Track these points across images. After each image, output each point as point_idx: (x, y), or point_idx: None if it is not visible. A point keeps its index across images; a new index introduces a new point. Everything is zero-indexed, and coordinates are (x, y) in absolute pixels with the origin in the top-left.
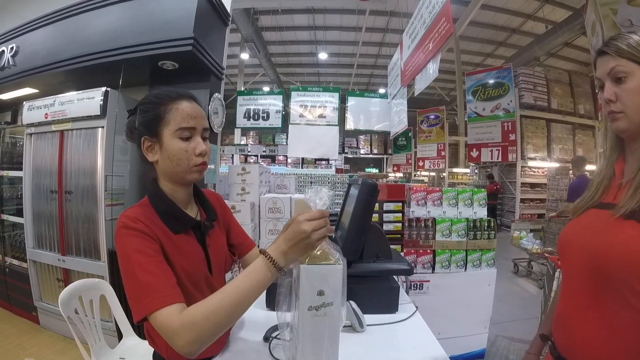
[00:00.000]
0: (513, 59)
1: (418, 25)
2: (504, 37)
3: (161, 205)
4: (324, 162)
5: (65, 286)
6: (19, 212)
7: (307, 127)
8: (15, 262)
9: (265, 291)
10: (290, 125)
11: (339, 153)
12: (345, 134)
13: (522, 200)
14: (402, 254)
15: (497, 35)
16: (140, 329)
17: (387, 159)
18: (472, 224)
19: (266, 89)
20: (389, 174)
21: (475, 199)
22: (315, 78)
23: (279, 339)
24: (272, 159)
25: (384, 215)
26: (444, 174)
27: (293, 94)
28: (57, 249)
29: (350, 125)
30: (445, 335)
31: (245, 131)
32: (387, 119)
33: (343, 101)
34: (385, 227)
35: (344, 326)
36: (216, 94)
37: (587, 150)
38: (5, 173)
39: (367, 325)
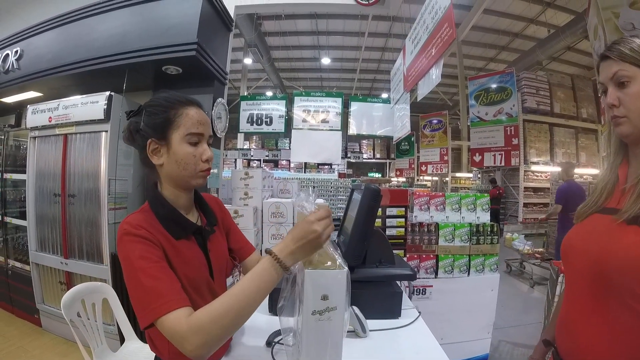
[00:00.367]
0: (515, 63)
1: (421, 31)
2: (506, 42)
3: (162, 211)
4: (326, 166)
5: (68, 289)
6: (22, 215)
7: (310, 131)
8: (17, 264)
9: (268, 296)
10: (293, 130)
11: (342, 158)
12: (348, 139)
13: (525, 205)
14: (405, 259)
15: (499, 40)
16: (142, 333)
17: (389, 163)
18: (475, 229)
19: (269, 93)
20: (392, 179)
21: (478, 203)
22: (318, 83)
23: (282, 344)
24: (275, 163)
25: (387, 220)
26: (447, 179)
27: (296, 99)
28: (59, 252)
29: (353, 130)
30: (448, 341)
31: (248, 136)
32: (390, 123)
33: (346, 106)
34: (388, 232)
35: (347, 331)
36: (219, 98)
37: (589, 154)
38: (9, 176)
39: (370, 330)
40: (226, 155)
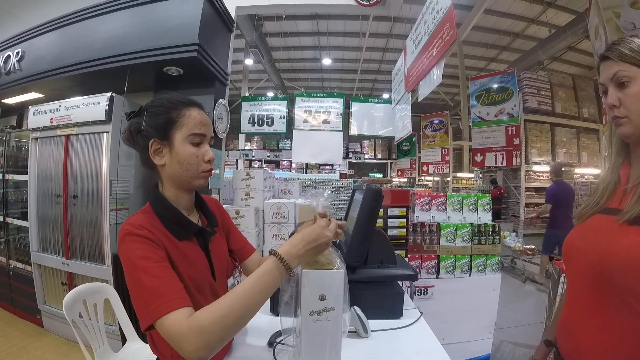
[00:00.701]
0: (516, 63)
1: (422, 32)
2: (507, 42)
3: (164, 212)
4: (328, 167)
5: (70, 290)
6: (24, 216)
7: (311, 132)
8: (19, 265)
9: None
10: (294, 131)
11: (343, 158)
12: (349, 139)
13: (527, 205)
14: (406, 259)
15: (500, 40)
16: (144, 333)
17: (391, 163)
18: (476, 229)
19: (270, 94)
20: (393, 179)
21: (479, 203)
22: (319, 83)
23: (283, 344)
24: (276, 164)
25: (389, 220)
26: (448, 179)
27: (297, 99)
28: (61, 253)
29: (354, 130)
30: (450, 341)
31: (249, 136)
32: (391, 124)
33: (347, 106)
34: (390, 232)
35: (349, 332)
36: (221, 99)
37: (591, 154)
38: (10, 177)
39: (372, 330)
40: (227, 156)
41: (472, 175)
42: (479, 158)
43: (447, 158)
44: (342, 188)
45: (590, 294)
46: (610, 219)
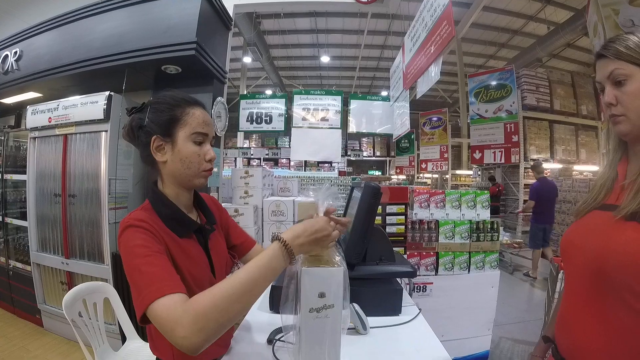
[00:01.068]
0: (515, 60)
1: (420, 29)
2: (506, 39)
3: (165, 210)
4: (326, 164)
5: (69, 289)
6: (23, 216)
7: (309, 130)
8: (19, 265)
9: (269, 294)
10: (293, 129)
11: (342, 156)
12: (347, 137)
13: (525, 202)
14: (405, 256)
15: (499, 37)
16: (144, 332)
17: (390, 161)
18: (475, 226)
19: (269, 92)
20: (392, 176)
21: (478, 200)
22: (318, 81)
23: (283, 341)
24: (275, 162)
25: (387, 217)
26: (447, 176)
27: (295, 97)
28: (60, 252)
29: (352, 128)
30: (449, 338)
31: (248, 134)
32: (390, 121)
33: (345, 104)
34: (388, 229)
35: (348, 328)
36: (219, 97)
37: (590, 151)
38: (9, 177)
39: (371, 327)
40: (226, 154)
41: (470, 172)
42: (477, 155)
43: (445, 155)
44: (340, 185)
45: (588, 290)
46: (608, 215)
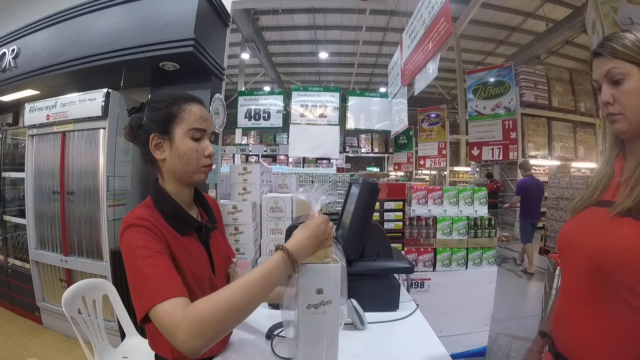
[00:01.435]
0: (514, 57)
1: (417, 25)
2: (504, 36)
3: (166, 207)
4: (325, 161)
5: (68, 286)
6: (22, 213)
7: (308, 126)
8: (17, 262)
9: None
10: (291, 125)
11: (340, 152)
12: (346, 133)
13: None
14: (403, 252)
15: (497, 34)
16: (143, 328)
17: (388, 157)
18: (472, 222)
19: (267, 89)
20: (390, 173)
21: (476, 197)
22: (316, 78)
23: (282, 336)
24: (273, 158)
25: (385, 214)
26: (445, 173)
27: (294, 93)
28: (59, 250)
29: (351, 124)
30: (446, 333)
31: (246, 131)
32: (388, 118)
33: (344, 101)
34: (386, 225)
35: (346, 324)
36: (217, 94)
37: (588, 147)
38: (7, 174)
39: (368, 323)
40: (224, 151)
41: (468, 169)
42: (475, 152)
43: (443, 152)
44: (339, 182)
45: (585, 287)
46: (604, 211)
